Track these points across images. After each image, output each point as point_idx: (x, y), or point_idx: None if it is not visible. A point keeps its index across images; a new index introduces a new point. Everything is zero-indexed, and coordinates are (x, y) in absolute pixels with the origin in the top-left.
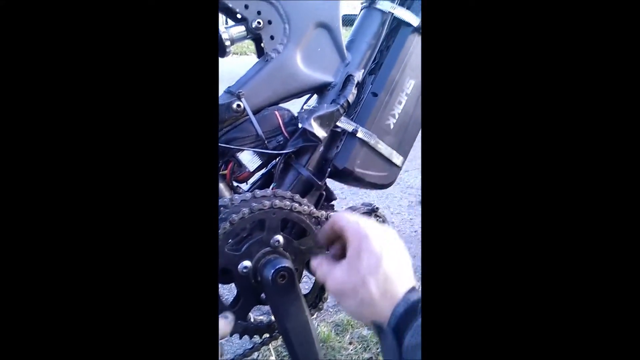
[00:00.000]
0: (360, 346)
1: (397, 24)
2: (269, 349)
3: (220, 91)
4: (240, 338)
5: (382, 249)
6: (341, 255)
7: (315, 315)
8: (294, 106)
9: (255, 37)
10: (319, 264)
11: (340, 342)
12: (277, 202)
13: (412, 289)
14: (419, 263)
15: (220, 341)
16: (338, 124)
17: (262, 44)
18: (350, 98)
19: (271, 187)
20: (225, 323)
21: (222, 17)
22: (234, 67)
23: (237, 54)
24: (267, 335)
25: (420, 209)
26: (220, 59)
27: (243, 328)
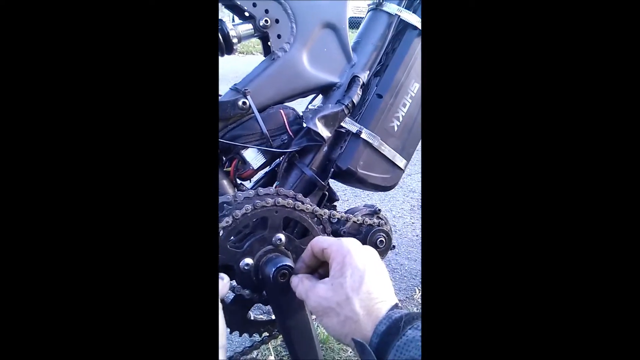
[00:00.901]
0: None
1: (404, 27)
2: (268, 347)
3: (226, 89)
4: (240, 335)
5: (365, 265)
6: (322, 275)
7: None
8: (299, 105)
9: (263, 35)
10: (300, 280)
11: (339, 343)
12: (280, 200)
13: (395, 306)
14: (420, 267)
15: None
16: (342, 124)
17: (269, 43)
18: (355, 99)
19: (274, 185)
20: (221, 285)
21: (230, 15)
22: (240, 65)
23: (243, 53)
24: (267, 333)
25: None
26: (226, 57)
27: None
